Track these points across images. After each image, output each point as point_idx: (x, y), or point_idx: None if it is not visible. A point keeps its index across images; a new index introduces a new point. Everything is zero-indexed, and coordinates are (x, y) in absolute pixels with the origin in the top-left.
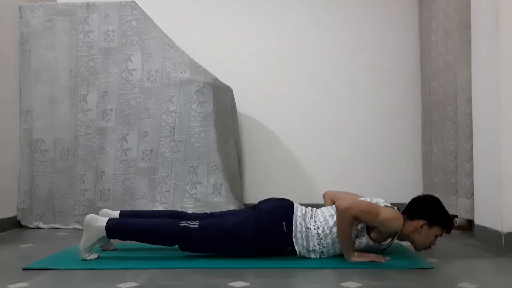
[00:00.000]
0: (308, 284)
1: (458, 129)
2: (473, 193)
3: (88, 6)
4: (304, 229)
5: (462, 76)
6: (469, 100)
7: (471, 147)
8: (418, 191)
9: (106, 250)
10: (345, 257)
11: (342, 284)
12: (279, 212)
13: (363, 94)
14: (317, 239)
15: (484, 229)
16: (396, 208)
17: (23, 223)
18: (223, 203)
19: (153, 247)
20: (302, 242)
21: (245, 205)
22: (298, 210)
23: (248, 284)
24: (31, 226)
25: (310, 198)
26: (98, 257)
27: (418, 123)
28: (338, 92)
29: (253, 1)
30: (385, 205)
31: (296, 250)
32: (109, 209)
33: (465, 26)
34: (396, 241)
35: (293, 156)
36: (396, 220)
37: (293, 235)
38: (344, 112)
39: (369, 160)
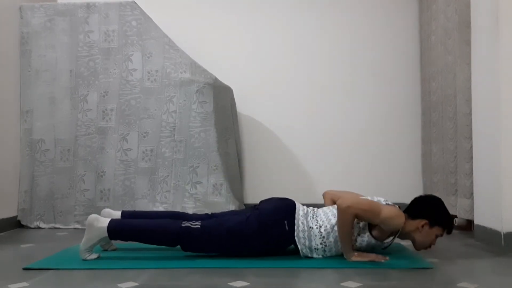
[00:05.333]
0: (308, 283)
1: (458, 129)
2: (472, 193)
3: (88, 6)
4: (306, 228)
5: (461, 76)
6: (468, 100)
7: (471, 147)
8: (418, 191)
9: (107, 250)
10: (345, 256)
11: (342, 283)
12: (281, 211)
13: (363, 94)
14: (320, 238)
15: (484, 229)
16: (397, 206)
17: (23, 223)
18: (223, 203)
19: (153, 247)
20: (305, 241)
21: (245, 205)
22: (300, 209)
23: (248, 284)
24: (32, 226)
25: (310, 198)
26: (98, 257)
27: (417, 123)
28: (338, 92)
29: (253, 1)
30: (386, 203)
31: (299, 248)
32: (110, 209)
33: (465, 26)
34: (396, 240)
35: (293, 156)
36: (398, 218)
37: (295, 234)
38: (344, 112)
39: (369, 160)
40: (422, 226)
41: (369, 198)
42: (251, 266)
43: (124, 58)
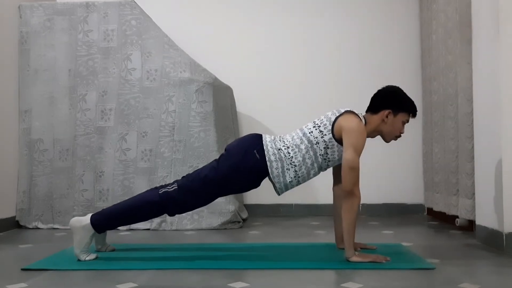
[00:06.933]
0: (308, 284)
1: (459, 128)
2: (474, 193)
3: (87, 5)
4: (276, 151)
5: (462, 76)
6: (470, 100)
7: (472, 147)
8: (419, 191)
9: (105, 251)
10: (345, 256)
11: (342, 284)
12: (248, 143)
13: (364, 94)
14: (289, 158)
15: (485, 229)
16: (353, 111)
17: (22, 223)
18: (223, 203)
19: (152, 247)
20: (277, 165)
21: (245, 205)
22: (267, 136)
23: (248, 285)
24: (30, 227)
25: (310, 198)
26: (97, 258)
27: (419, 123)
28: (339, 92)
29: (254, 0)
30: (345, 110)
31: (271, 176)
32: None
33: (465, 26)
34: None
35: None
36: (361, 128)
37: (267, 158)
38: None
39: (370, 160)
40: (387, 116)
41: (330, 112)
42: (251, 267)
43: (123, 57)
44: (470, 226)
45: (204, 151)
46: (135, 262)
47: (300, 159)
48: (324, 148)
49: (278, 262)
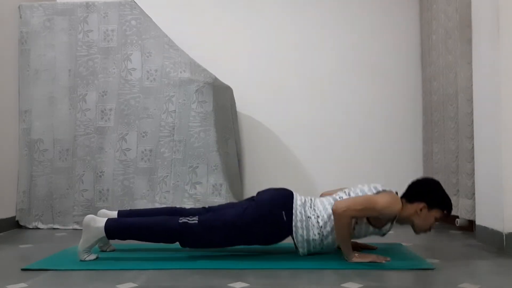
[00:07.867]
0: (308, 285)
1: (459, 129)
2: (474, 193)
3: (87, 5)
4: (304, 217)
5: (462, 76)
6: (470, 100)
7: (472, 147)
8: None
9: (105, 251)
10: (345, 258)
11: (342, 285)
12: (278, 201)
13: (363, 94)
14: (317, 228)
15: (485, 229)
16: (394, 191)
17: (22, 223)
18: (223, 203)
19: (152, 247)
20: (302, 232)
21: None
22: (298, 200)
23: (248, 285)
24: (30, 227)
25: None
26: (97, 258)
27: (419, 123)
28: (339, 92)
29: (253, 0)
30: (383, 189)
31: (296, 242)
32: (108, 209)
33: (465, 26)
34: (395, 227)
35: (293, 156)
36: (394, 205)
37: (293, 224)
38: (345, 112)
39: (369, 160)
40: (421, 209)
41: (366, 186)
42: (251, 267)
43: (123, 57)
44: (470, 226)
45: (204, 151)
46: (135, 262)
47: (329, 229)
48: (354, 223)
49: (278, 262)
